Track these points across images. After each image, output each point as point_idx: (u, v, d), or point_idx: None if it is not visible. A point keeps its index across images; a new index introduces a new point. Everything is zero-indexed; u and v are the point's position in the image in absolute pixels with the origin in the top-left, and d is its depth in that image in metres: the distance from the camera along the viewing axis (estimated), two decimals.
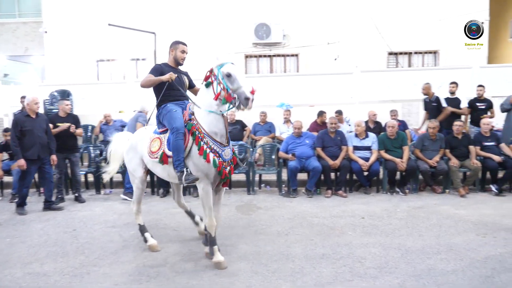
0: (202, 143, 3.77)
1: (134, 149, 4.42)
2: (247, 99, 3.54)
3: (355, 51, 11.18)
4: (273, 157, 7.71)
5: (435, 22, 11.19)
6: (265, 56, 12.30)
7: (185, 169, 3.79)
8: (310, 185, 6.86)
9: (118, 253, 4.39)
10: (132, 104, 9.44)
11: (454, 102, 8.04)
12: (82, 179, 7.52)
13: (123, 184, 7.13)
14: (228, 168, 3.94)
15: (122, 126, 8.63)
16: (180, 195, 4.79)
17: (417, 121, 9.47)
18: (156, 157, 4.08)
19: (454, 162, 6.83)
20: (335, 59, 10.83)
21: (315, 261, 4.04)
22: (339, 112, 8.74)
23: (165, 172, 4.15)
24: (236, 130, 8.89)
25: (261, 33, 11.74)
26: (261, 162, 7.95)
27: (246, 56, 12.25)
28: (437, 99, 7.95)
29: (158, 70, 4.12)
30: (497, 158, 6.76)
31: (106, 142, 7.59)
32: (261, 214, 5.85)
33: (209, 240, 4.01)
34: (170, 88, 4.07)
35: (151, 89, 4.19)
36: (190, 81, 4.40)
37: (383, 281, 3.60)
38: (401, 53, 11.88)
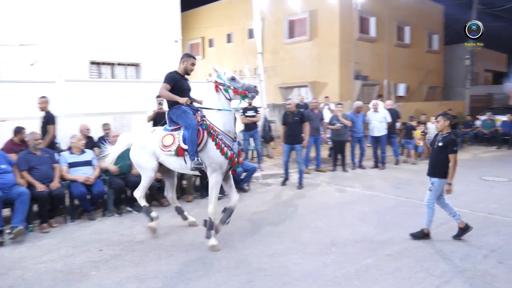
0: (217, 139, 4.59)
1: (144, 147, 5.10)
2: (255, 86, 4.66)
3: (54, 57, 9.73)
4: None
5: (137, 36, 11.29)
6: None
7: (196, 158, 4.58)
8: (17, 220, 5.38)
9: None
10: None
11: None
12: None
13: None
14: (236, 158, 4.77)
15: None
16: (173, 191, 5.57)
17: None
18: (170, 151, 4.80)
19: None
20: (32, 64, 9.07)
21: None
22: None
23: (177, 163, 4.88)
24: None
25: None
26: None
27: None
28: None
29: (172, 79, 4.88)
30: None
31: None
32: None
33: (208, 225, 4.71)
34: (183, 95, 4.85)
35: None
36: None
37: None
38: (103, 63, 11.33)
